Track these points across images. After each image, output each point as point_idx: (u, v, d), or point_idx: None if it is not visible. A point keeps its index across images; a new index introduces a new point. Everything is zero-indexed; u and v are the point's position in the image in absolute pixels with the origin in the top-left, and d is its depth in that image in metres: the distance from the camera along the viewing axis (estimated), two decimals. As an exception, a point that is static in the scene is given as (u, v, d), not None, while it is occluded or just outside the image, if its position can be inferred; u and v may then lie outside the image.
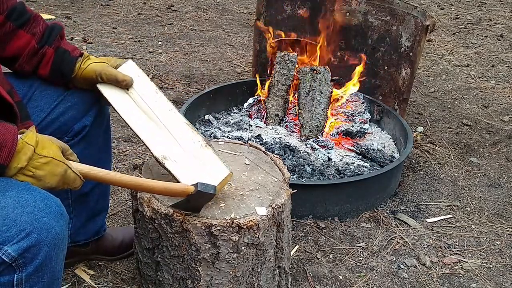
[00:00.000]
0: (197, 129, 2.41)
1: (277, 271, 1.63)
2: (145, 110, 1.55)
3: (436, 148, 3.03)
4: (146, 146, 1.51)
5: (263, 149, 1.81)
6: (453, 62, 4.48)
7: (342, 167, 2.48)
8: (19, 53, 1.51)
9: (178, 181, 1.46)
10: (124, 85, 1.53)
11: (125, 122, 1.53)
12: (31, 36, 1.51)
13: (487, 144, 3.12)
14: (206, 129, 2.84)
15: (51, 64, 1.53)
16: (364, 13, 3.06)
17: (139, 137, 1.52)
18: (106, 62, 1.56)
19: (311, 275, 1.98)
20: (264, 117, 2.88)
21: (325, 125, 2.76)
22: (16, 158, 1.13)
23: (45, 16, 4.14)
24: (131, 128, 1.52)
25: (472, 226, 2.36)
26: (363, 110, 2.94)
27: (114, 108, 1.55)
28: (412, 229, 2.31)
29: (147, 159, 1.71)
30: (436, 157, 2.93)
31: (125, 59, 1.69)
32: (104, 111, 1.69)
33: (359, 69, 2.95)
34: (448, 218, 2.40)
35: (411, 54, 2.88)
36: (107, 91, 1.55)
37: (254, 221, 1.44)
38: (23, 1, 1.55)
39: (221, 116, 3.06)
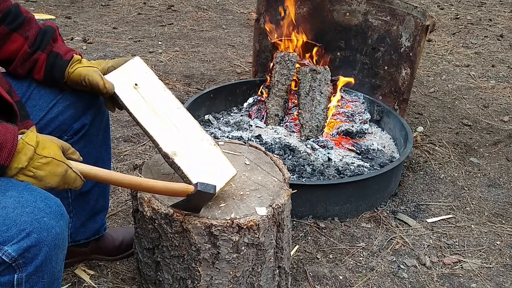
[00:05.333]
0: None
1: (277, 271, 1.63)
2: (153, 107, 1.55)
3: (436, 148, 3.03)
4: (155, 142, 1.50)
5: (263, 149, 1.81)
6: (453, 62, 4.48)
7: (342, 167, 2.48)
8: (13, 56, 1.51)
9: (186, 178, 1.46)
10: (105, 92, 1.52)
11: (134, 118, 1.53)
12: (24, 39, 1.51)
13: (487, 144, 3.12)
14: (206, 129, 2.84)
15: (44, 70, 1.53)
16: (364, 13, 3.06)
17: (147, 133, 1.51)
18: (95, 67, 1.55)
19: (311, 275, 1.98)
20: (264, 117, 2.88)
21: (325, 125, 2.76)
22: (16, 158, 1.13)
23: (45, 16, 4.13)
24: (139, 124, 1.52)
25: (472, 226, 2.36)
26: (363, 110, 2.94)
27: (123, 104, 1.54)
28: (412, 229, 2.30)
29: (147, 159, 1.71)
30: (436, 157, 2.93)
31: (131, 56, 1.68)
32: (103, 109, 1.69)
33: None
34: (448, 218, 2.40)
35: (411, 54, 2.88)
36: (116, 87, 1.54)
37: (254, 221, 1.44)
38: (18, 3, 1.54)
39: (221, 116, 3.06)
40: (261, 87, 3.04)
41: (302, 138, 2.71)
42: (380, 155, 2.65)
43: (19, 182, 1.14)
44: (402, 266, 2.07)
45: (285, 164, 1.83)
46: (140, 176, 1.54)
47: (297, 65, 2.87)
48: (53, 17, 4.23)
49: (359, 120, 2.88)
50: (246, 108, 3.03)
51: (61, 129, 1.58)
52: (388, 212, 2.42)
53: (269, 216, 1.48)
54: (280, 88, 2.84)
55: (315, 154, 2.58)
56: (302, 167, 2.44)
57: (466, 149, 3.04)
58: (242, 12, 5.66)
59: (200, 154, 1.52)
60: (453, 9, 6.05)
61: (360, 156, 2.64)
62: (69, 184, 1.23)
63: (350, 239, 2.21)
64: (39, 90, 1.56)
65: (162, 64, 4.02)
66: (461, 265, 2.10)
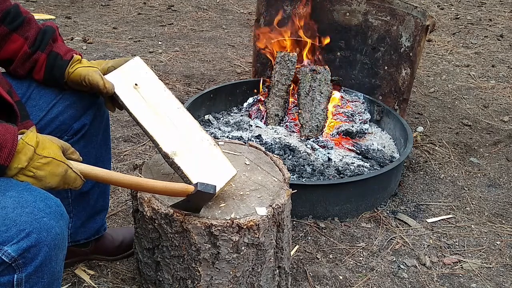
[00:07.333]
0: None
1: (277, 271, 1.63)
2: (153, 107, 1.55)
3: (436, 148, 3.03)
4: (155, 142, 1.50)
5: (263, 149, 1.81)
6: (453, 62, 4.48)
7: (342, 167, 2.48)
8: (13, 56, 1.51)
9: (186, 178, 1.46)
10: (105, 92, 1.52)
11: (134, 118, 1.53)
12: (24, 40, 1.51)
13: (487, 144, 3.12)
14: (206, 129, 2.84)
15: (44, 70, 1.53)
16: (364, 13, 3.06)
17: (147, 133, 1.51)
18: (95, 67, 1.55)
19: (311, 275, 1.98)
20: (264, 117, 2.88)
21: (325, 125, 2.76)
22: (16, 158, 1.13)
23: (45, 16, 4.13)
24: (139, 124, 1.52)
25: (472, 226, 2.36)
26: (363, 110, 2.94)
27: (123, 104, 1.54)
28: (412, 229, 2.30)
29: (147, 159, 1.71)
30: (436, 157, 2.93)
31: (131, 56, 1.68)
32: (103, 109, 1.69)
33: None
34: (448, 218, 2.40)
35: (411, 54, 2.88)
36: (116, 87, 1.55)
37: (254, 221, 1.44)
38: (17, 3, 1.54)
39: (221, 116, 3.06)
40: (260, 87, 3.04)
41: (302, 138, 2.71)
42: (380, 155, 2.65)
43: (19, 182, 1.14)
44: (402, 266, 2.07)
45: (285, 164, 1.83)
46: (140, 176, 1.54)
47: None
48: (53, 17, 4.24)
49: (359, 120, 2.88)
50: (246, 108, 3.03)
51: (61, 129, 1.58)
52: (388, 212, 2.42)
53: (269, 216, 1.48)
54: (280, 88, 2.84)
55: (315, 154, 2.58)
56: (302, 167, 2.44)
57: (466, 149, 3.04)
58: (242, 12, 5.66)
59: (200, 154, 1.52)
60: (453, 9, 6.05)
61: (360, 156, 2.64)
62: (69, 184, 1.23)
63: (350, 239, 2.21)
64: (39, 90, 1.56)
65: (162, 64, 4.02)
66: (461, 265, 2.10)
